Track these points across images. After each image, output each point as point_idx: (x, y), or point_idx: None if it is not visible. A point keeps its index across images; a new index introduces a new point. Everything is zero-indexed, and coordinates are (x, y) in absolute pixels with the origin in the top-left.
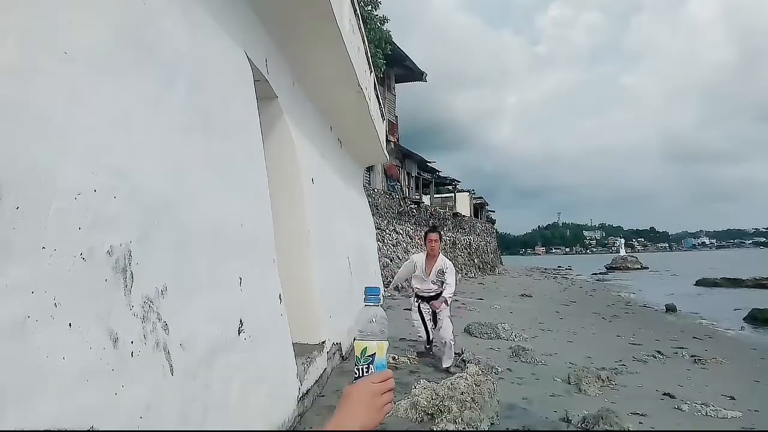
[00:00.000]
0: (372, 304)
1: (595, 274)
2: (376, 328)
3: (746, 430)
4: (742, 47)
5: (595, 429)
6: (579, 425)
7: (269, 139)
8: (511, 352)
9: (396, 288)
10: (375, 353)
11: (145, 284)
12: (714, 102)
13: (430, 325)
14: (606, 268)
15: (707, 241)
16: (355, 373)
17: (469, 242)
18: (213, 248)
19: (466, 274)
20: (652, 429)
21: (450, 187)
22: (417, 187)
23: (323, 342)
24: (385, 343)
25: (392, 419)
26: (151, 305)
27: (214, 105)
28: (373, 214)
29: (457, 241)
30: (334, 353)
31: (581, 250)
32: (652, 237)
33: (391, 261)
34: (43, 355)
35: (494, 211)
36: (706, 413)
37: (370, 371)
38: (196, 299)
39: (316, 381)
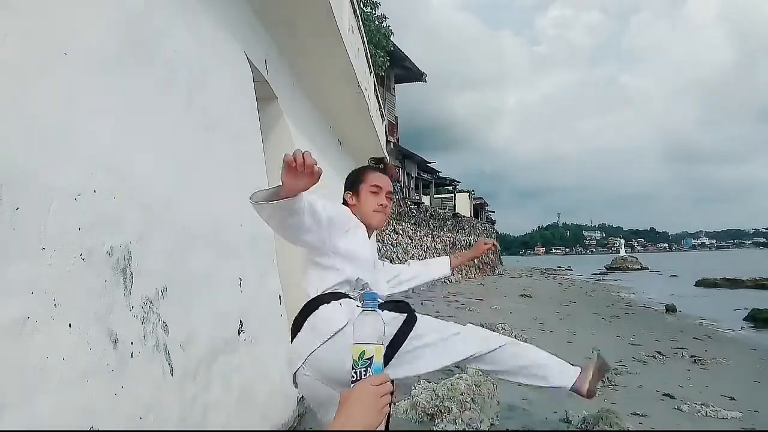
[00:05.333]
0: (369, 309)
1: (595, 274)
2: (374, 332)
3: (746, 431)
4: (742, 47)
5: (595, 429)
6: (579, 425)
7: (269, 140)
8: None
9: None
10: (372, 357)
11: (145, 285)
12: (714, 102)
13: None
14: (606, 268)
15: (707, 242)
16: (353, 377)
17: (469, 243)
18: (213, 248)
19: (466, 274)
20: (652, 429)
21: (450, 188)
22: (417, 188)
23: None
24: (383, 347)
25: (392, 420)
26: (150, 306)
27: (214, 105)
28: None
29: (457, 242)
30: None
31: (581, 251)
32: (652, 237)
33: (391, 262)
34: (43, 356)
35: (494, 212)
36: (706, 414)
37: (367, 374)
38: (196, 299)
39: None
